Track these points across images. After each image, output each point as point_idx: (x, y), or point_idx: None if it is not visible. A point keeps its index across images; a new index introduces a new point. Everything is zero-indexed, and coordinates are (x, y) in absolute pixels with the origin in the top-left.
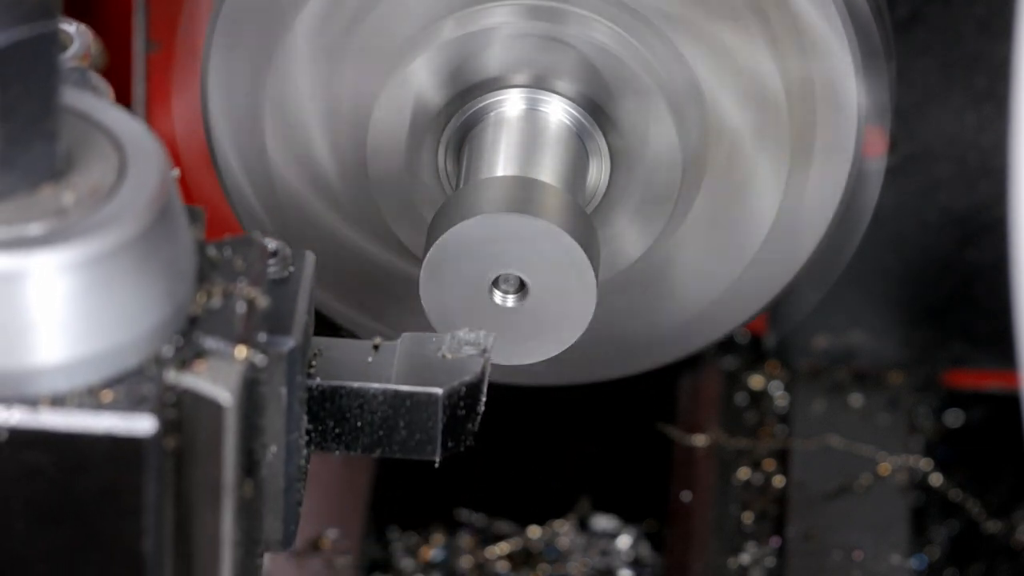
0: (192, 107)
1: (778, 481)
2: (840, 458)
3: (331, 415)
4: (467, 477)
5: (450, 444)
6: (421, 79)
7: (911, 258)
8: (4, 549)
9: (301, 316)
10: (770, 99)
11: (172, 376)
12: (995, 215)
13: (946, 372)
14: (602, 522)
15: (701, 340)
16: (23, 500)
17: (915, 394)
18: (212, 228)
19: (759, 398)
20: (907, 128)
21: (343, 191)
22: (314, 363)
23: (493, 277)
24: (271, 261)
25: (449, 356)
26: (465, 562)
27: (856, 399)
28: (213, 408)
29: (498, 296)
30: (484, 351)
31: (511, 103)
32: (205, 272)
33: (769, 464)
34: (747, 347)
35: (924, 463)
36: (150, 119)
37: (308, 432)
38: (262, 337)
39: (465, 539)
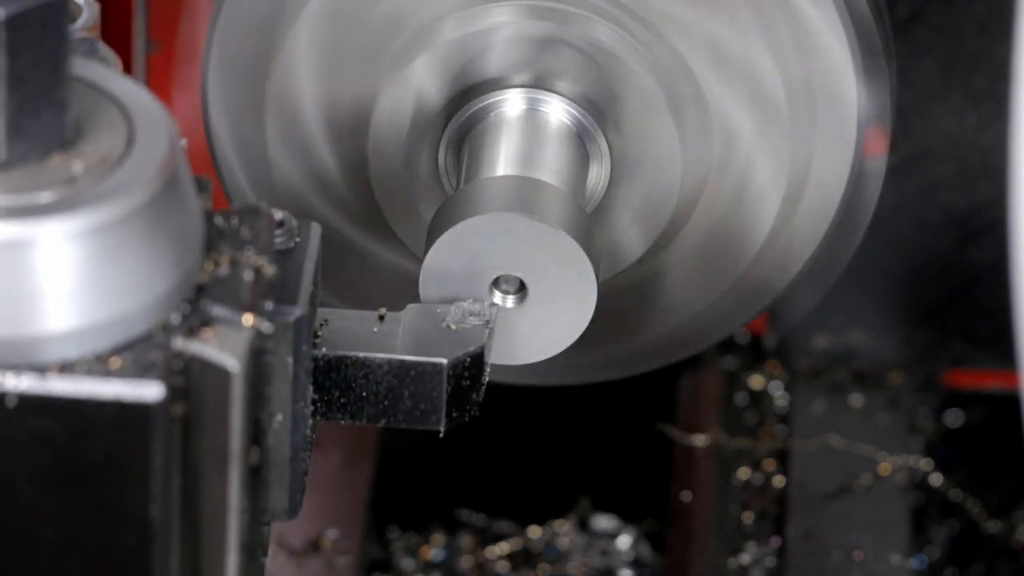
0: (192, 107)
1: (778, 481)
2: (840, 458)
3: (336, 385)
4: (467, 477)
5: (454, 414)
6: (422, 79)
7: (911, 258)
8: (13, 515)
9: (307, 286)
10: (770, 99)
11: (179, 343)
12: (995, 215)
13: (946, 372)
14: (602, 522)
15: (701, 340)
16: (32, 467)
17: (915, 394)
18: None
19: (759, 398)
20: (907, 128)
21: (343, 191)
22: (320, 333)
23: (493, 277)
24: (277, 231)
25: (454, 327)
26: (465, 562)
27: (856, 399)
28: (220, 375)
29: (498, 296)
30: (488, 322)
31: (511, 103)
32: (212, 241)
33: (769, 464)
34: (747, 347)
35: (924, 463)
36: None
37: (314, 402)
38: (269, 306)
39: (465, 539)
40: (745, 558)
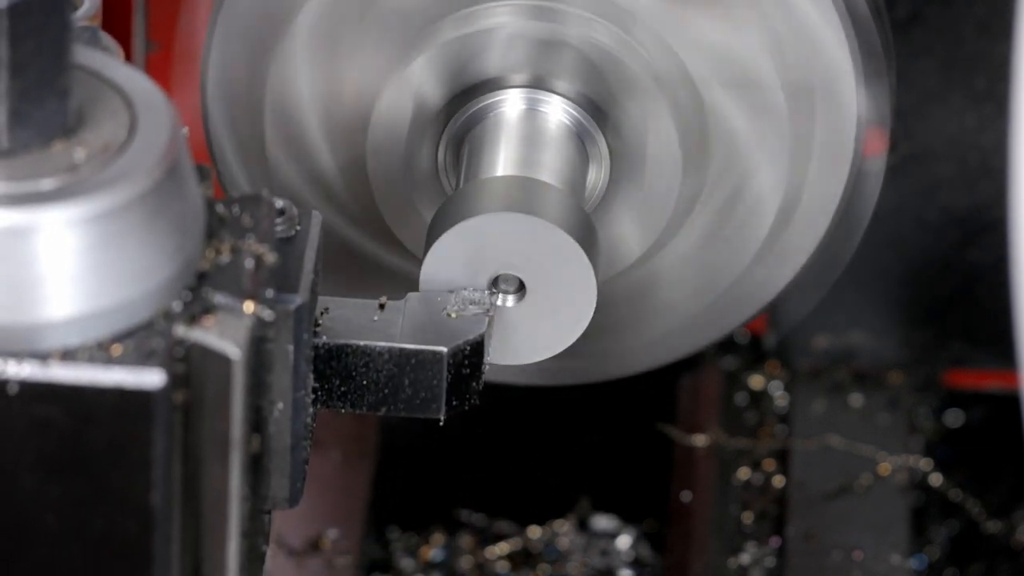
0: (192, 106)
1: (778, 481)
2: (840, 458)
3: (337, 373)
4: (467, 477)
5: (455, 403)
6: (421, 79)
7: (911, 258)
8: (14, 501)
9: (308, 274)
10: (770, 100)
11: (181, 330)
12: (995, 215)
13: (946, 372)
14: (602, 522)
15: (701, 340)
16: (33, 453)
17: (915, 394)
18: None
19: (759, 398)
20: (907, 128)
21: (343, 191)
22: (320, 321)
23: (493, 277)
24: (278, 220)
25: (454, 315)
26: (465, 562)
27: (856, 399)
28: (221, 362)
29: (498, 296)
30: (488, 310)
31: (511, 103)
32: (214, 228)
33: (769, 464)
34: (747, 347)
35: (924, 463)
36: None
37: (314, 390)
38: (270, 293)
39: (465, 539)
40: (745, 558)
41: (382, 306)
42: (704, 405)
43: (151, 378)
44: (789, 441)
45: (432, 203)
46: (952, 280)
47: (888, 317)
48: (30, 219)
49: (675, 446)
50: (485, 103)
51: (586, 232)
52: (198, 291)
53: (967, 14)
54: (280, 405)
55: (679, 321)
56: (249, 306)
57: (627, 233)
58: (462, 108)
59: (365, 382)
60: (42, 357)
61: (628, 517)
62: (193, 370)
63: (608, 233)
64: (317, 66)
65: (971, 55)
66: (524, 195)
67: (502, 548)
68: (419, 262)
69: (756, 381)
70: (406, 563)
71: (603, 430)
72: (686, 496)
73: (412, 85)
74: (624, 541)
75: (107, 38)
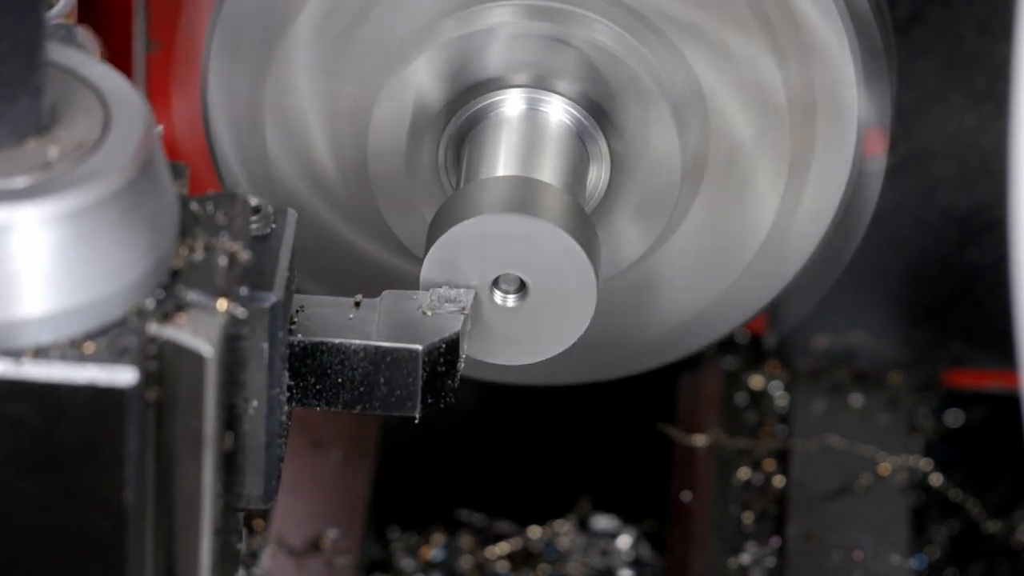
0: (192, 107)
1: (778, 481)
2: (840, 458)
3: (312, 371)
4: (467, 477)
5: (430, 400)
6: (422, 78)
7: (911, 258)
8: None
9: (283, 272)
10: (771, 102)
11: (154, 328)
12: (995, 215)
13: (946, 372)
14: (602, 522)
15: (701, 340)
16: (5, 451)
17: (915, 394)
18: None
19: (759, 398)
20: (907, 128)
21: (343, 190)
22: (296, 319)
23: (493, 277)
24: (253, 218)
25: (429, 313)
26: (465, 562)
27: (856, 399)
28: (194, 360)
29: (498, 296)
30: (464, 308)
31: (512, 103)
32: (188, 226)
33: (769, 464)
34: (747, 347)
35: (924, 463)
36: None
37: (289, 388)
38: (244, 291)
39: (465, 539)
40: (745, 558)
41: (358, 304)
42: (704, 405)
43: (124, 376)
44: (789, 441)
45: (432, 203)
46: (952, 280)
47: (888, 317)
48: (3, 217)
49: (675, 446)
50: (486, 103)
51: (586, 232)
52: (171, 289)
53: (967, 14)
54: (255, 403)
55: (679, 321)
56: (222, 304)
57: (627, 233)
58: (462, 108)
59: (340, 380)
60: (15, 355)
61: (628, 517)
62: (166, 368)
63: (608, 233)
64: (318, 65)
65: (971, 55)
66: (524, 195)
67: (502, 548)
68: (419, 262)
69: (756, 381)
70: (406, 563)
71: (603, 430)
72: (686, 496)
73: (412, 85)
74: (624, 541)
75: (84, 35)
